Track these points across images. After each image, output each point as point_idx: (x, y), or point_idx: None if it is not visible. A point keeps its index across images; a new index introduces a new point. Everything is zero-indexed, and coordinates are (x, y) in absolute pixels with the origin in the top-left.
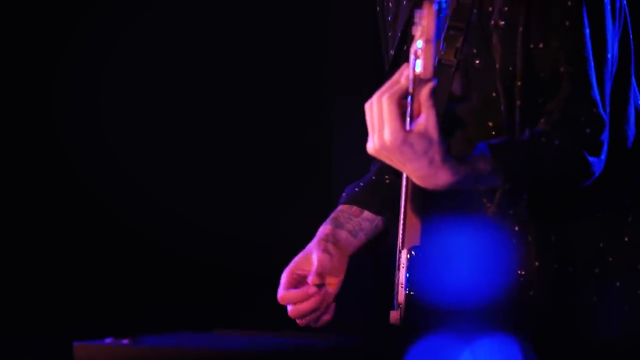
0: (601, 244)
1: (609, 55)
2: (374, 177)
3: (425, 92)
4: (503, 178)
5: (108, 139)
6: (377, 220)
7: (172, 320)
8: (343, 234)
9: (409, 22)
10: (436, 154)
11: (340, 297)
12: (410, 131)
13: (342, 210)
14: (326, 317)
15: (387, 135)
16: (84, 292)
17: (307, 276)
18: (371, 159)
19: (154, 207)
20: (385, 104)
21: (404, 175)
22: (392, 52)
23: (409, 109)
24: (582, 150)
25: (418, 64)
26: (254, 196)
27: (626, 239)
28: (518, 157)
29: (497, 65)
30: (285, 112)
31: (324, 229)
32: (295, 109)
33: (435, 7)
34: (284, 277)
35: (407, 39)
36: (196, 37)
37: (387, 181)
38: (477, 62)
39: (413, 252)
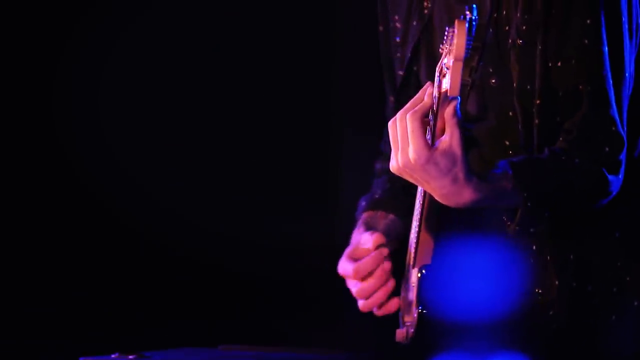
0: (619, 263)
1: (627, 74)
2: (389, 185)
3: (450, 109)
4: (525, 196)
5: (108, 139)
6: (400, 224)
7: (176, 333)
8: None
9: (420, 43)
10: (460, 171)
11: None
12: (435, 149)
13: (369, 215)
14: (391, 307)
15: (412, 153)
16: (84, 292)
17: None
18: (374, 161)
19: (154, 207)
20: (409, 121)
21: (419, 193)
22: (400, 72)
23: (431, 127)
24: (601, 168)
25: (444, 81)
26: (254, 196)
27: None
28: (539, 175)
29: (514, 84)
30: (286, 111)
31: (359, 234)
32: (298, 108)
33: (466, 25)
34: (345, 260)
35: (418, 59)
36: (197, 37)
37: (403, 186)
38: (493, 81)
39: (424, 271)
